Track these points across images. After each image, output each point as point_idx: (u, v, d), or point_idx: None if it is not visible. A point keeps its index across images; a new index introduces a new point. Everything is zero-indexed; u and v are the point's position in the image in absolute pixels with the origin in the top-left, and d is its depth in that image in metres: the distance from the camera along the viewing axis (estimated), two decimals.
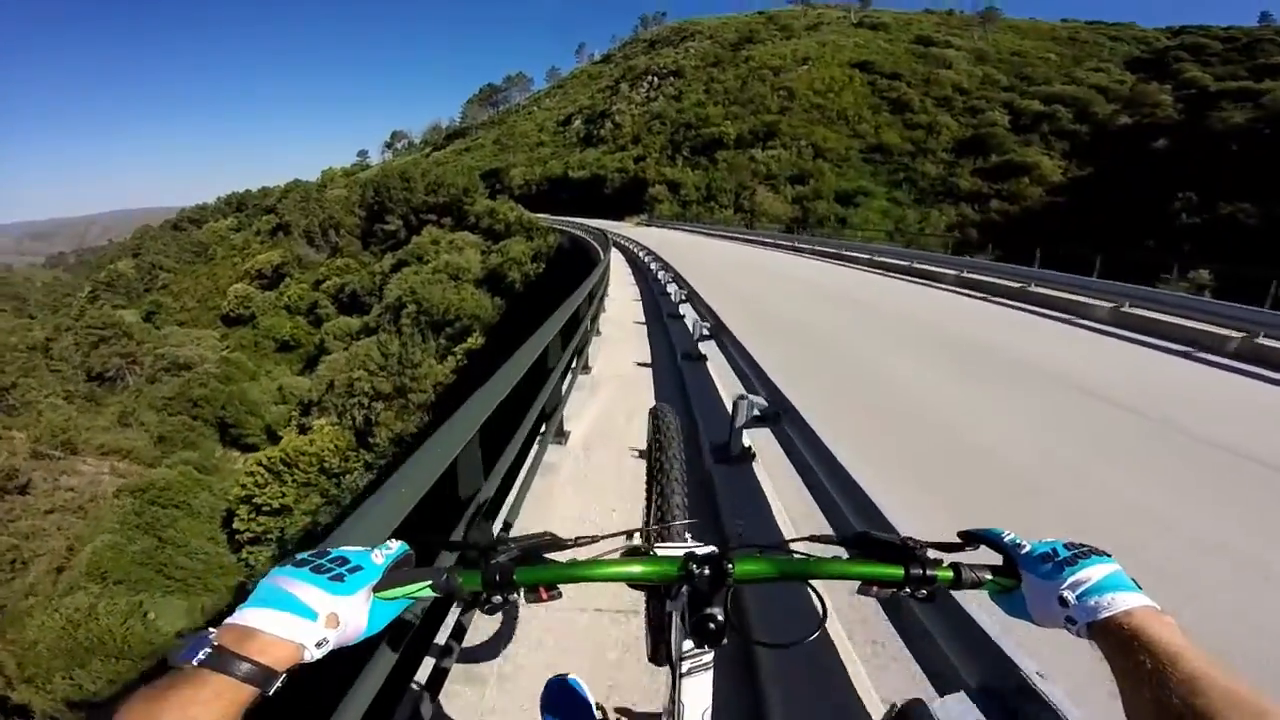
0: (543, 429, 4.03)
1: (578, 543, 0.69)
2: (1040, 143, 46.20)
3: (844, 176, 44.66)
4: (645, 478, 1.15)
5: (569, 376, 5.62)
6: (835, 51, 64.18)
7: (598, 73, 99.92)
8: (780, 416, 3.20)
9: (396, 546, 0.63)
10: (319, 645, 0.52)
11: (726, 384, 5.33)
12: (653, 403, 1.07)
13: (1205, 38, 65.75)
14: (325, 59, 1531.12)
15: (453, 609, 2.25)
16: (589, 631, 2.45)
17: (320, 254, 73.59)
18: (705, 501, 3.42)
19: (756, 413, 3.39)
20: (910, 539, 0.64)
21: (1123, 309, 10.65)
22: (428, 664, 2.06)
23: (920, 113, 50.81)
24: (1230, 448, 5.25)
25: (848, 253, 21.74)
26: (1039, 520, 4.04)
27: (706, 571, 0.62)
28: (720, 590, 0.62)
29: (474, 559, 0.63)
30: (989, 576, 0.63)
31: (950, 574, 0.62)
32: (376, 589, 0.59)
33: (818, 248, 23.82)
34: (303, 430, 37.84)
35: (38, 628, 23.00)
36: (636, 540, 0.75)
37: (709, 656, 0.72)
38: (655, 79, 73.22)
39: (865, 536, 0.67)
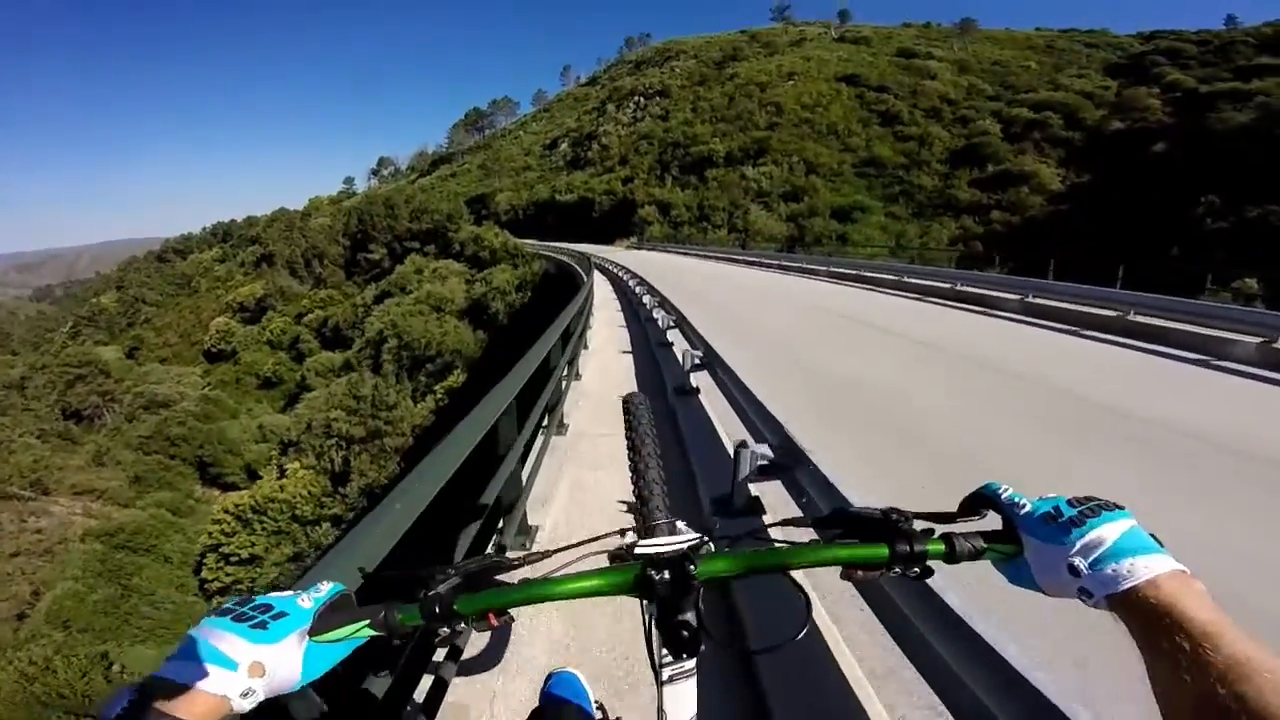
0: (500, 525, 3.09)
1: (527, 560, 0.64)
2: (1034, 150, 44.72)
3: (839, 192, 42.87)
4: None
5: (538, 440, 4.47)
6: (820, 66, 62.99)
7: (584, 95, 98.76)
8: (792, 468, 2.62)
9: (327, 588, 0.61)
10: (244, 696, 0.50)
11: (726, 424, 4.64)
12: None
13: (1179, 41, 65.82)
14: (313, 86, 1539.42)
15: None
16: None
17: (304, 285, 71.05)
18: None
19: (763, 462, 2.90)
20: (895, 510, 0.57)
21: None
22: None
23: (910, 124, 49.33)
24: None
25: (868, 273, 19.12)
26: None
27: (668, 575, 0.56)
28: (689, 594, 0.56)
29: (412, 593, 0.58)
30: (986, 545, 0.55)
31: (942, 546, 0.55)
32: (312, 633, 0.56)
33: (832, 269, 21.17)
34: (281, 473, 35.39)
35: None
36: (609, 545, 0.69)
37: (690, 664, 0.68)
38: (641, 99, 71.81)
39: (842, 514, 0.60)
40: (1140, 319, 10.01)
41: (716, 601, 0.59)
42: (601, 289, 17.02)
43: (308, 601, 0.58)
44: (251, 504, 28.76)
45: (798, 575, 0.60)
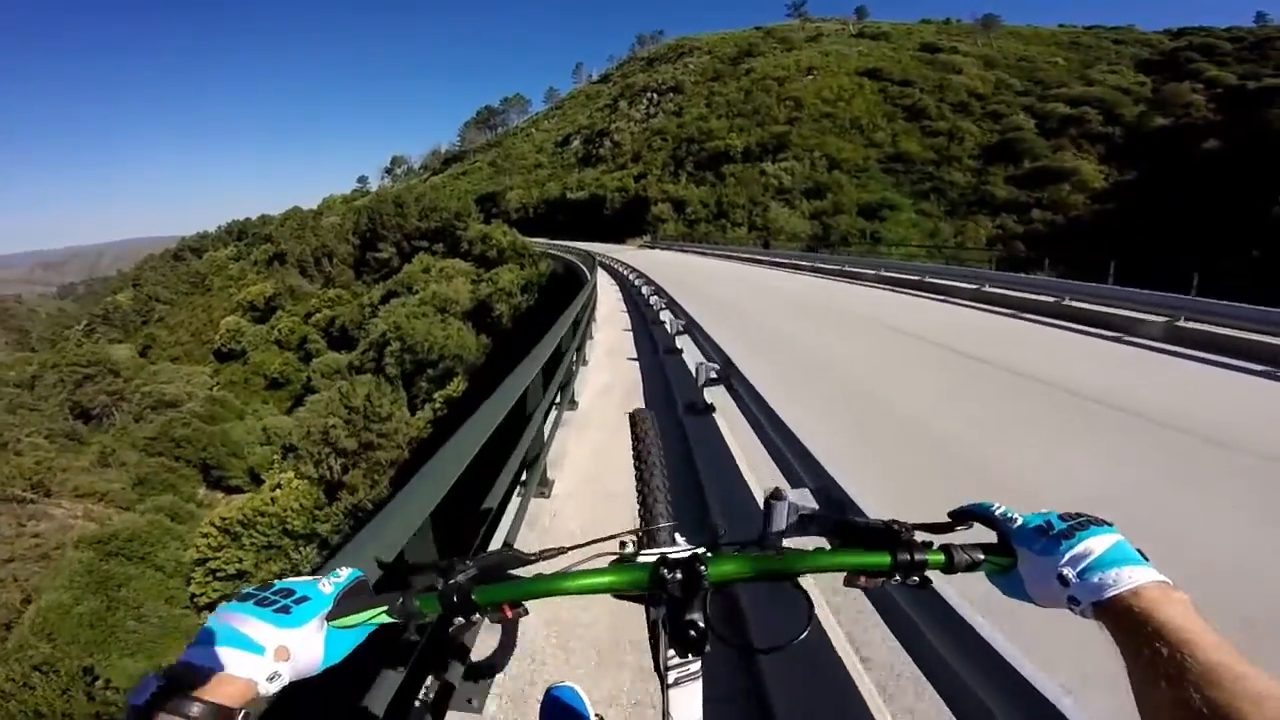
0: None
1: (542, 556, 0.65)
2: (1071, 146, 41.55)
3: (865, 188, 39.96)
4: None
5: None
6: (840, 61, 59.92)
7: (595, 92, 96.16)
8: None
9: (347, 574, 0.61)
10: (271, 679, 0.50)
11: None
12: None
13: (1211, 38, 62.79)
14: (330, 86, 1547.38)
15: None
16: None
17: (313, 284, 69.32)
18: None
19: (804, 512, 2.21)
20: (895, 522, 0.59)
21: None
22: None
23: (938, 119, 46.26)
24: None
25: (935, 279, 15.16)
26: None
27: (679, 576, 0.57)
28: (697, 595, 0.57)
29: (431, 582, 0.60)
30: (983, 556, 0.56)
31: (941, 557, 0.56)
32: (331, 618, 0.56)
33: (886, 273, 17.37)
34: (276, 485, 33.39)
35: None
36: (616, 546, 0.71)
37: (696, 666, 0.68)
38: (654, 95, 69.08)
39: (846, 523, 0.62)
40: None
41: (722, 603, 0.68)
42: (607, 299, 14.42)
43: (328, 586, 0.58)
44: (240, 517, 26.60)
45: (803, 579, 0.61)
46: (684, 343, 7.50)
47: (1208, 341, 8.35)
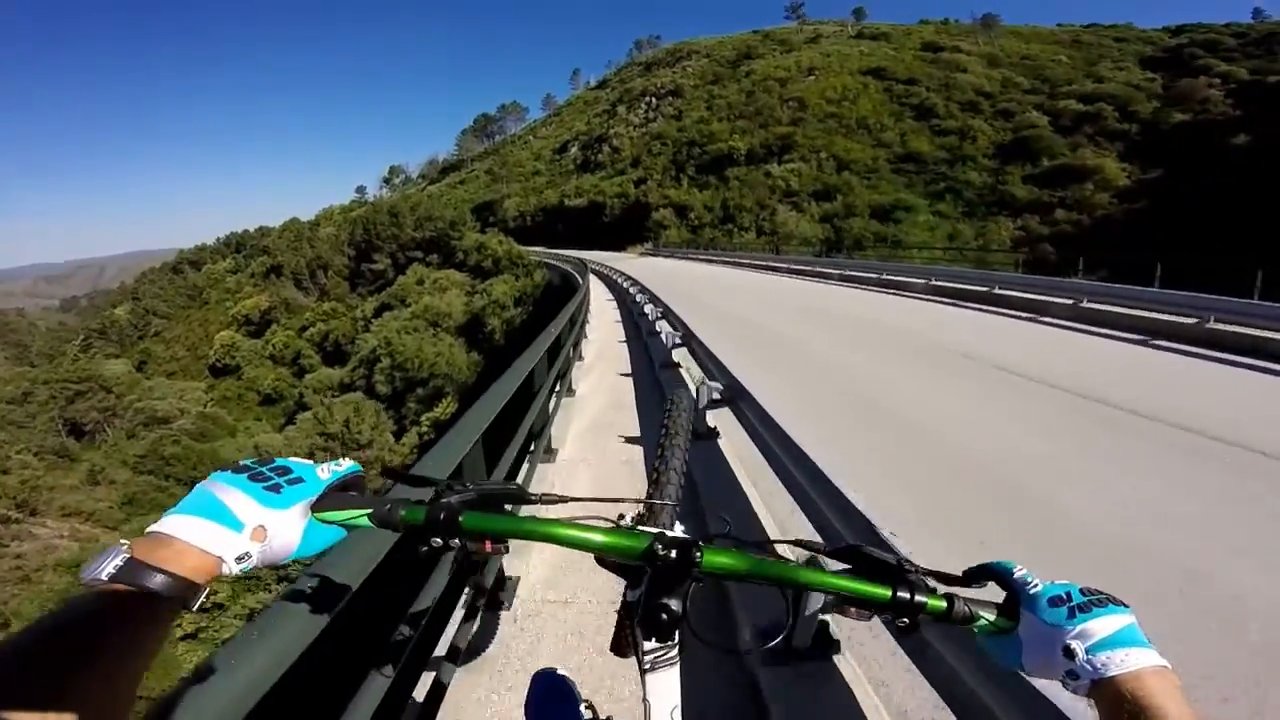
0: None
1: (544, 500, 0.62)
2: (1089, 144, 39.33)
3: (876, 189, 37.69)
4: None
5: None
6: (842, 60, 57.81)
7: (594, 98, 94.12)
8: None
9: (346, 465, 0.58)
10: (240, 560, 0.47)
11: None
12: None
13: (1214, 34, 61.16)
14: (329, 97, 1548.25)
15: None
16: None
17: (308, 297, 67.13)
18: None
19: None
20: (908, 561, 0.56)
21: None
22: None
23: (947, 118, 44.09)
24: None
25: (1005, 291, 12.21)
26: None
27: (673, 555, 0.55)
28: (684, 581, 0.55)
29: (424, 496, 0.57)
30: (984, 613, 0.54)
31: (942, 604, 0.54)
32: (315, 508, 0.53)
33: (935, 282, 14.22)
34: None
35: None
36: (616, 511, 0.68)
37: (674, 650, 0.66)
38: (653, 99, 66.93)
39: (857, 550, 0.58)
40: None
41: (705, 598, 0.63)
42: (600, 326, 12.00)
43: (325, 473, 0.56)
44: None
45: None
46: (681, 355, 6.70)
47: None
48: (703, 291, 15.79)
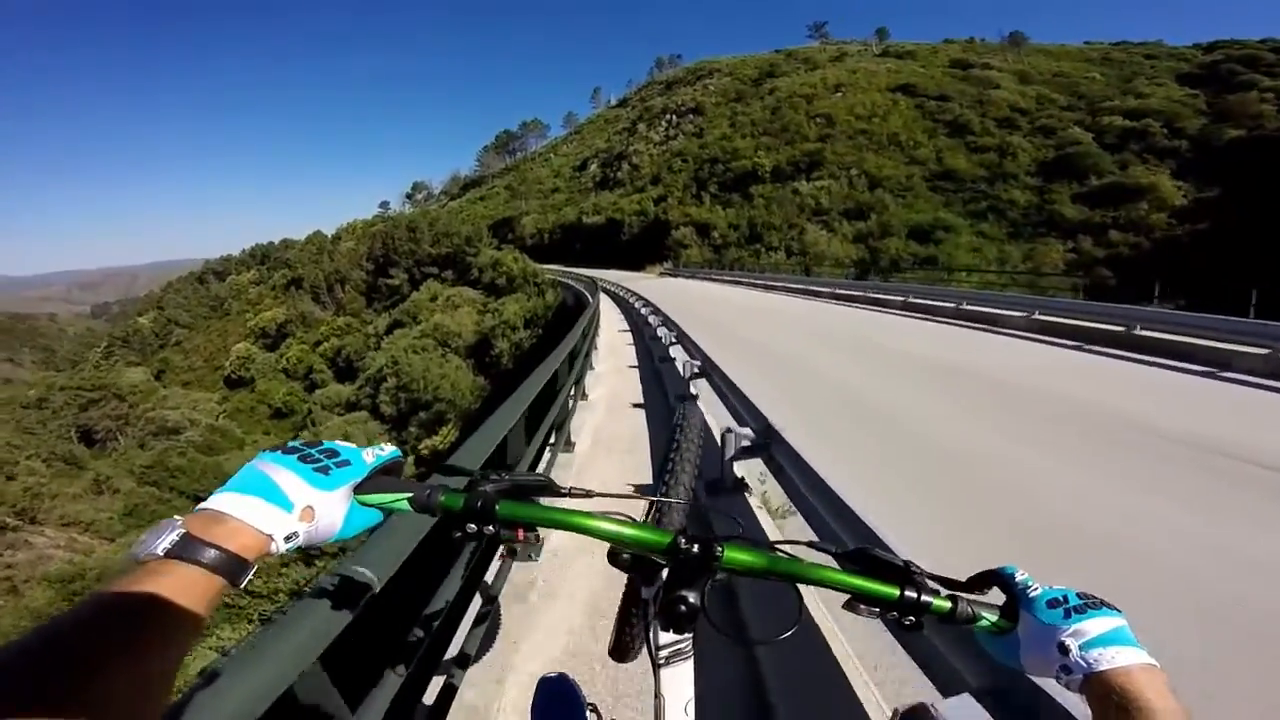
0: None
1: (571, 493, 0.63)
2: (1138, 161, 36.51)
3: (912, 208, 35.21)
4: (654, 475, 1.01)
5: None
6: (869, 77, 55.64)
7: (614, 116, 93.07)
8: None
9: (389, 450, 0.59)
10: (288, 539, 0.48)
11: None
12: None
13: (1250, 49, 57.91)
14: (361, 111, 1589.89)
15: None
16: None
17: (325, 311, 66.13)
18: None
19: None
20: (913, 564, 0.59)
21: None
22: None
23: (983, 134, 41.55)
24: None
25: (1151, 331, 9.32)
26: None
27: (696, 550, 0.56)
28: (703, 576, 0.57)
29: (462, 484, 0.59)
30: (985, 614, 0.57)
31: (947, 605, 0.56)
32: (357, 490, 0.54)
33: (1039, 316, 11.36)
34: None
35: None
36: (637, 506, 0.71)
37: (687, 645, 0.67)
38: (674, 117, 65.28)
39: (863, 553, 0.61)
40: None
41: (718, 593, 0.57)
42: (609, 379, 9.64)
43: (370, 456, 0.56)
44: None
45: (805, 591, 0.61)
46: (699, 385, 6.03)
47: None
48: (758, 331, 13.33)
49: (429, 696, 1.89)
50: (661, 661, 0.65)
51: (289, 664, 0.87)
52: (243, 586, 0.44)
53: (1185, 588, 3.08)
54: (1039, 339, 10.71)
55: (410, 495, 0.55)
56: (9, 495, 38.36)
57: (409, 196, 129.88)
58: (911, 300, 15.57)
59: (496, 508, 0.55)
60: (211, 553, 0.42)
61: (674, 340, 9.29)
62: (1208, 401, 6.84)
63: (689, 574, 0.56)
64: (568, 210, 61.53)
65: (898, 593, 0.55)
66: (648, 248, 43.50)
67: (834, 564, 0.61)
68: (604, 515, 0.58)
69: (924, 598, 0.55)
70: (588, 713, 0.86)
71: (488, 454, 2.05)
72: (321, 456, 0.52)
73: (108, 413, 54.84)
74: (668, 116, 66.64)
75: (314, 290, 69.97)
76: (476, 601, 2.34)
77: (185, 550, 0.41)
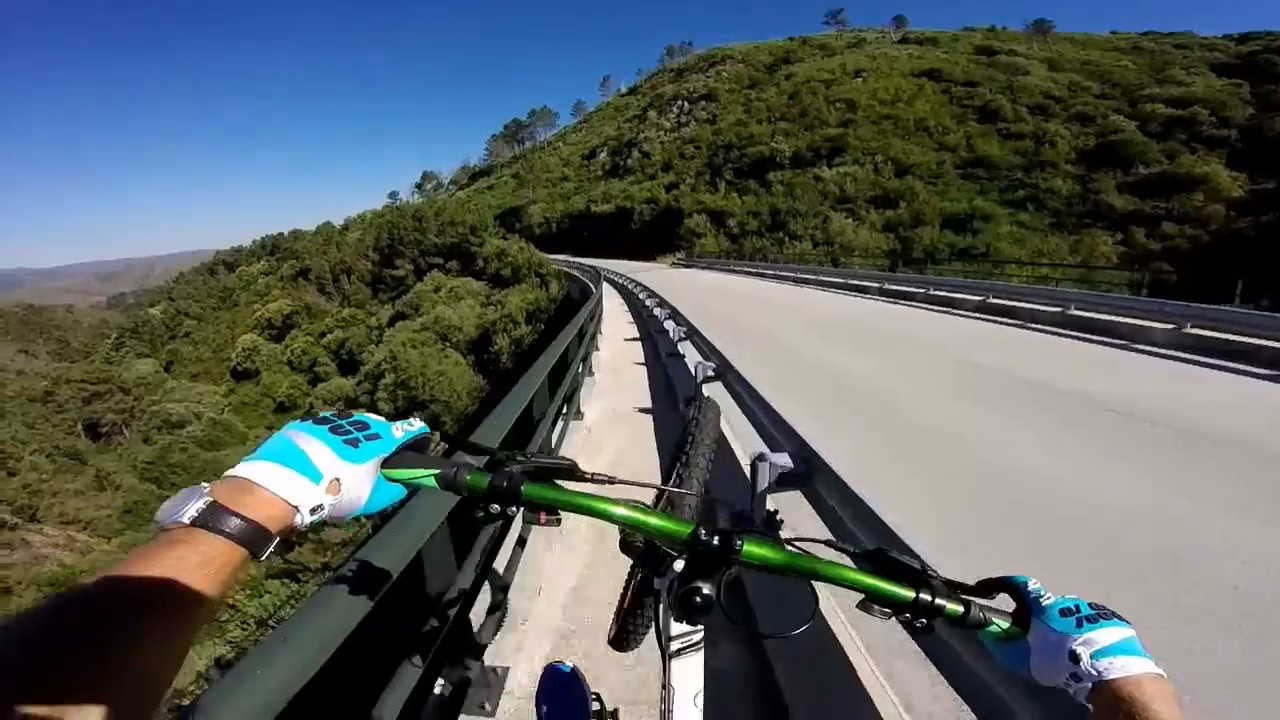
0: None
1: (594, 478, 0.63)
2: (1186, 151, 33.70)
3: (945, 196, 32.60)
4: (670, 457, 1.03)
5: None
6: (890, 63, 52.70)
7: (624, 104, 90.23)
8: None
9: (418, 425, 0.58)
10: (314, 511, 0.46)
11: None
12: None
13: None
14: (374, 101, 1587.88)
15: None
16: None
17: (331, 302, 64.44)
18: None
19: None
20: (929, 567, 0.58)
21: None
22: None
23: (1016, 121, 38.75)
24: None
25: None
26: None
27: (715, 542, 0.56)
28: (719, 568, 0.56)
29: (488, 463, 0.59)
30: (997, 620, 0.57)
31: (959, 609, 0.56)
32: (384, 465, 0.53)
33: (1191, 329, 8.39)
34: None
35: None
36: (652, 494, 0.69)
37: (698, 636, 0.66)
38: (685, 104, 62.54)
39: (880, 553, 0.60)
40: None
41: (730, 587, 0.57)
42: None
43: (399, 431, 0.55)
44: None
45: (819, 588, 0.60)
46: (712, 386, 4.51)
47: None
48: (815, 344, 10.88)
49: (440, 687, 1.86)
50: (672, 652, 0.63)
51: (310, 653, 0.86)
52: (263, 558, 0.43)
53: None
54: (1201, 362, 7.64)
55: (437, 472, 0.54)
56: (9, 492, 37.22)
57: (419, 187, 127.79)
58: (990, 301, 12.30)
59: (522, 489, 0.55)
60: (235, 522, 0.41)
61: (684, 335, 7.35)
62: None
63: (706, 566, 0.56)
64: (576, 199, 59.21)
65: (912, 595, 0.55)
66: (659, 236, 41.13)
67: (850, 563, 0.61)
68: (625, 502, 0.58)
69: (938, 601, 0.55)
70: (592, 702, 0.86)
71: (504, 433, 2.11)
72: (352, 429, 0.51)
73: (113, 406, 53.70)
74: (679, 103, 63.92)
75: (320, 281, 68.33)
76: (487, 590, 2.22)
77: (211, 519, 0.40)
